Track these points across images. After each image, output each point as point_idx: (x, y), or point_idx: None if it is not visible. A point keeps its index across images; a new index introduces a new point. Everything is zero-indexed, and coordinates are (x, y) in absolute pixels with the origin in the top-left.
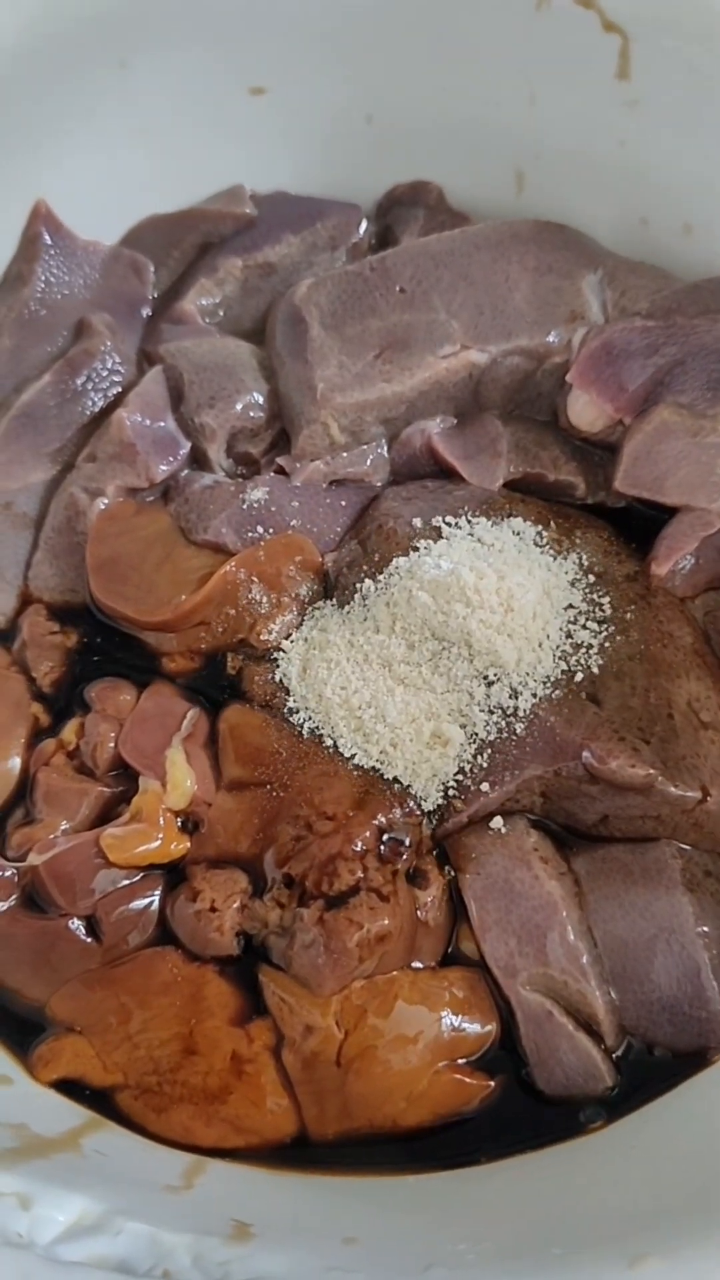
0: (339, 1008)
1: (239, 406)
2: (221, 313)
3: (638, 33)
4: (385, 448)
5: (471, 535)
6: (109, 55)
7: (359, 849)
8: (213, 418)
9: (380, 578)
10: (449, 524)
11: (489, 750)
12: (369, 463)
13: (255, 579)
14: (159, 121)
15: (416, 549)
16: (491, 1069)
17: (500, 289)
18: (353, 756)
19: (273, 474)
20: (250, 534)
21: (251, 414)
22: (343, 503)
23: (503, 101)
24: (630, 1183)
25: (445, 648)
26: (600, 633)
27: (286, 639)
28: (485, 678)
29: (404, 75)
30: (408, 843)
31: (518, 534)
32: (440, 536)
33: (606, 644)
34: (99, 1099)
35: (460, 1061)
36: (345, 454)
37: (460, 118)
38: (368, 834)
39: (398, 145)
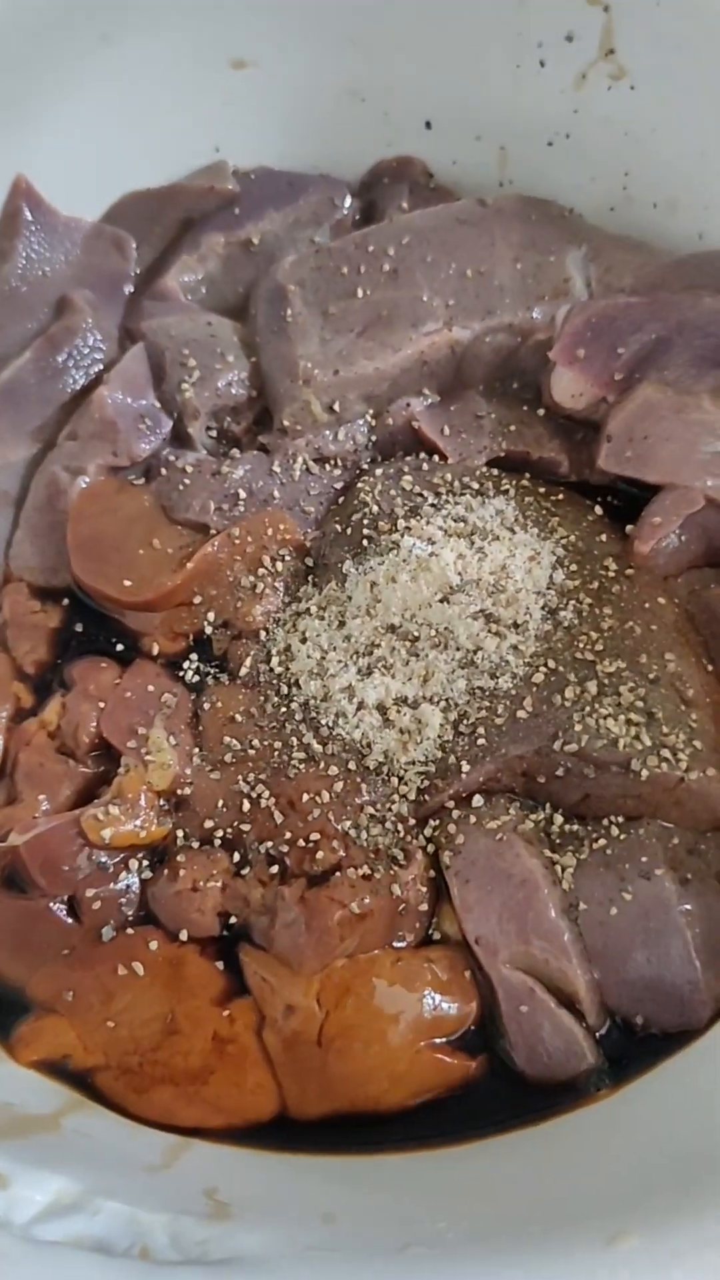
0: (320, 987)
1: (221, 384)
2: (204, 289)
3: (622, 6)
4: (368, 425)
5: (454, 514)
6: (91, 28)
7: (341, 828)
8: (195, 395)
9: (362, 558)
10: (431, 503)
11: (470, 730)
12: (352, 440)
13: (238, 558)
14: (141, 96)
15: (398, 529)
16: (472, 1049)
17: (484, 265)
18: (335, 736)
19: (255, 452)
20: (232, 513)
21: (234, 391)
22: (325, 481)
23: (487, 76)
24: (610, 1161)
25: (426, 628)
26: (583, 612)
27: (270, 619)
28: (466, 658)
29: (388, 49)
30: (389, 822)
31: (500, 512)
32: (422, 516)
33: (589, 623)
34: (80, 1079)
35: (441, 1041)
36: (328, 431)
37: (444, 92)
38: (349, 813)
39: (381, 120)
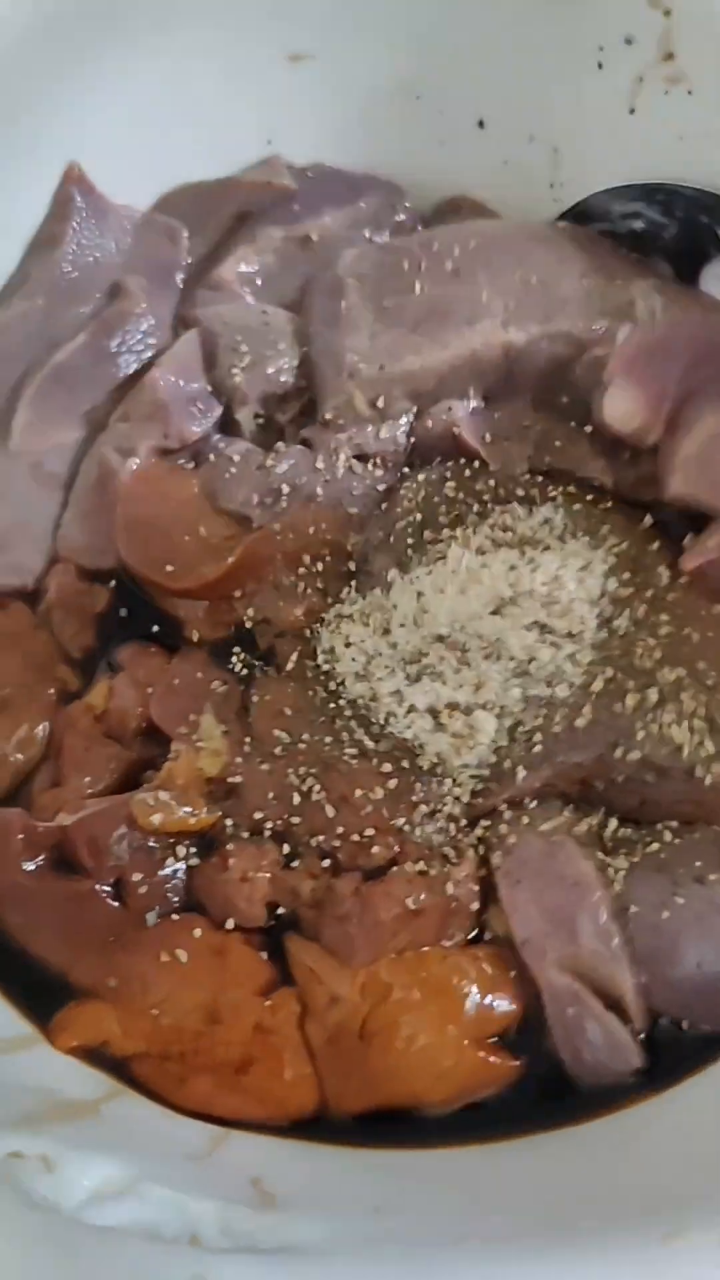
0: (366, 980)
1: (271, 370)
2: (259, 281)
3: (684, 11)
4: (409, 426)
5: (501, 523)
6: (144, 15)
7: (394, 825)
8: (245, 380)
9: (407, 566)
10: (477, 511)
11: (527, 738)
12: (394, 439)
13: (278, 555)
14: (194, 86)
15: (443, 538)
16: (517, 1049)
17: (549, 276)
18: (387, 734)
19: (299, 447)
20: (275, 507)
21: (283, 379)
22: (368, 481)
23: (542, 77)
24: (664, 1160)
25: (476, 640)
26: (639, 619)
27: (311, 618)
28: (520, 668)
29: (446, 47)
30: (441, 821)
31: (548, 521)
32: (468, 525)
33: (646, 630)
34: (119, 1066)
35: (487, 1040)
36: (370, 427)
37: (499, 92)
38: (403, 810)
39: (435, 118)
